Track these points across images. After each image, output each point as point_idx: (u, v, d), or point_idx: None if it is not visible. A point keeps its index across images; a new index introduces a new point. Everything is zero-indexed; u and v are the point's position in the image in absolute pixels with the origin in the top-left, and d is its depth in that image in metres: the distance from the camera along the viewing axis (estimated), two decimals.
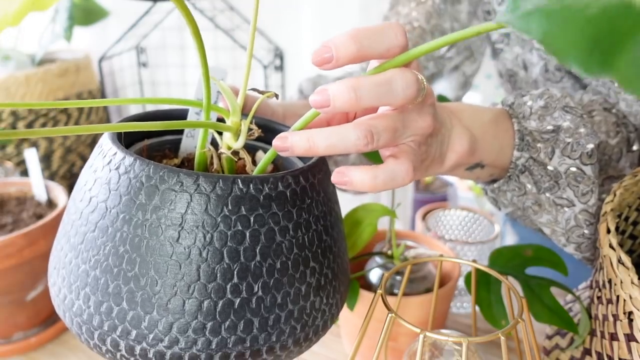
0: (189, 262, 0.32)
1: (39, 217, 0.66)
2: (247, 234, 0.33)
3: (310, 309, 0.36)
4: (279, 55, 1.19)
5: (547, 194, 0.46)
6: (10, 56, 1.02)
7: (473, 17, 0.70)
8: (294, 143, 0.33)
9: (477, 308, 0.50)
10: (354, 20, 1.11)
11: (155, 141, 0.44)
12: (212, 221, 0.32)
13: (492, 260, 0.52)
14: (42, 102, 0.29)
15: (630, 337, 0.38)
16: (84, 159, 1.09)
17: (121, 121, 0.39)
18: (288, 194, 0.34)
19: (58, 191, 0.69)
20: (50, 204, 0.69)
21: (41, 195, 0.69)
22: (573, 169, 0.44)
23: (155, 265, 0.32)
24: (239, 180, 0.32)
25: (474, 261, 0.45)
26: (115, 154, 0.34)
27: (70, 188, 1.00)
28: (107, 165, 0.34)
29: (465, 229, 0.77)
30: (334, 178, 0.33)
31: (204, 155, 0.38)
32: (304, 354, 0.59)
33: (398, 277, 0.56)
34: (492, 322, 0.49)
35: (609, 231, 0.40)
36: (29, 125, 1.00)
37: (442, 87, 0.76)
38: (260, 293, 0.33)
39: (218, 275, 0.32)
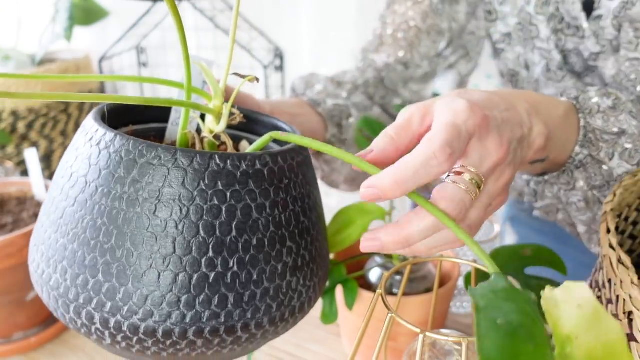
0: (164, 235, 0.32)
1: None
2: (224, 209, 0.33)
3: (286, 288, 0.36)
4: (279, 55, 1.19)
5: (595, 192, 0.46)
6: (11, 56, 1.02)
7: (471, 18, 0.70)
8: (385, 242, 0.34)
9: None
10: (353, 20, 1.11)
11: (141, 128, 0.45)
12: (188, 195, 0.32)
13: None
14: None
15: (630, 337, 0.38)
16: None
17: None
18: (265, 172, 0.35)
19: None
20: None
21: (41, 195, 0.69)
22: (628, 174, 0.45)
23: (132, 237, 0.32)
24: (217, 156, 0.33)
25: (474, 261, 0.45)
26: (97, 130, 0.35)
27: None
28: (88, 142, 0.35)
29: None
30: (362, 195, 0.33)
31: (186, 136, 0.39)
32: (304, 354, 0.59)
33: (398, 277, 0.56)
34: None
35: (608, 231, 0.40)
36: (29, 125, 1.00)
37: (437, 86, 0.76)
38: (235, 268, 0.33)
39: (193, 248, 0.33)
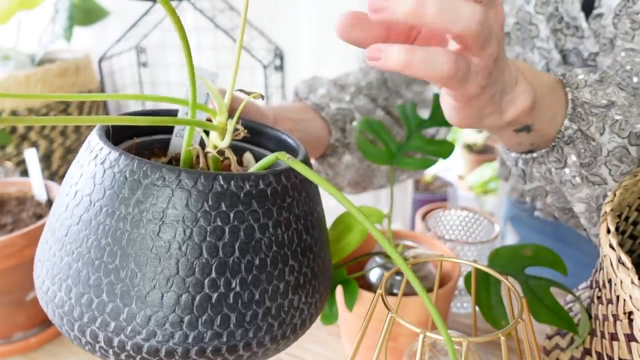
0: (168, 256, 0.33)
1: (39, 217, 0.66)
2: (227, 230, 0.33)
3: (288, 306, 0.36)
4: (279, 55, 1.19)
5: (584, 170, 0.46)
6: (10, 56, 1.02)
7: None
8: (389, 54, 0.30)
9: (477, 308, 0.50)
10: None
11: (145, 140, 0.45)
12: (192, 216, 0.33)
13: (491, 260, 0.52)
14: (40, 94, 0.30)
15: (630, 337, 0.38)
16: None
17: None
18: (269, 192, 0.35)
19: (58, 191, 0.69)
20: (50, 204, 0.69)
21: (41, 195, 0.69)
22: (619, 149, 0.44)
23: (136, 258, 0.33)
24: (220, 177, 0.33)
25: (474, 261, 0.44)
26: (102, 149, 0.35)
27: None
28: (93, 160, 0.35)
29: (465, 229, 0.77)
30: (368, 53, 0.31)
31: (190, 153, 0.39)
32: (304, 353, 0.59)
33: (398, 277, 0.56)
34: (492, 322, 0.49)
35: (609, 231, 0.40)
36: (29, 126, 1.00)
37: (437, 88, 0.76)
38: (238, 289, 0.34)
39: (196, 269, 0.33)
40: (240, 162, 0.46)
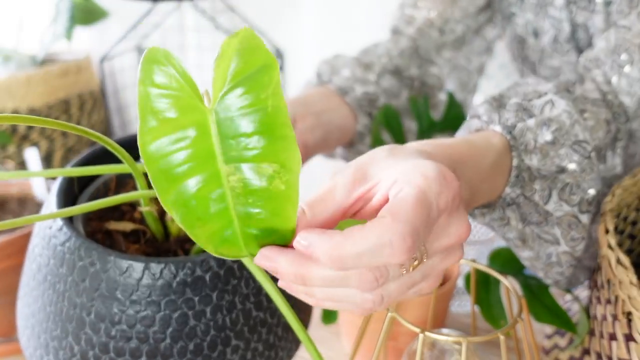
0: (98, 336, 0.34)
1: None
2: (157, 318, 0.33)
3: None
4: (279, 55, 1.20)
5: (533, 227, 0.42)
6: (12, 57, 1.03)
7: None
8: (284, 275, 0.28)
9: (476, 308, 0.50)
10: (354, 20, 1.11)
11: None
12: (119, 305, 0.33)
13: (491, 260, 0.52)
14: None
15: (628, 337, 0.38)
16: None
17: (75, 164, 0.42)
18: (207, 277, 0.34)
19: None
20: None
21: (42, 196, 0.70)
22: (568, 217, 0.41)
23: (74, 332, 0.34)
24: (152, 265, 0.33)
25: (473, 261, 0.45)
26: (60, 229, 0.36)
27: None
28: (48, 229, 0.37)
29: None
30: (296, 242, 0.27)
31: (150, 213, 0.39)
32: (304, 353, 0.59)
33: None
34: (491, 321, 0.49)
35: (607, 231, 0.40)
36: (30, 126, 1.00)
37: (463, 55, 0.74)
38: None
39: (127, 352, 0.34)
40: None
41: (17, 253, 0.58)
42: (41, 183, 0.69)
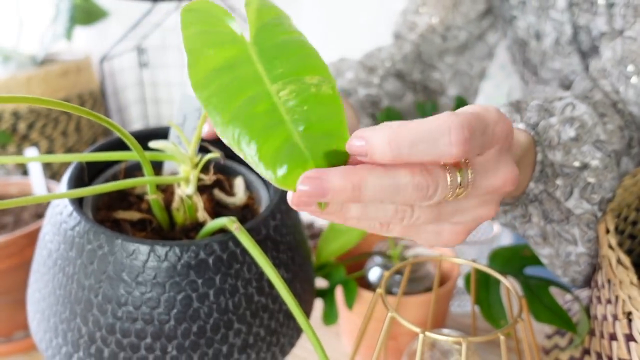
0: (105, 317, 0.34)
1: (40, 216, 0.66)
2: (161, 300, 0.34)
3: None
4: None
5: (554, 225, 0.43)
6: (12, 57, 1.03)
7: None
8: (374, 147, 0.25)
9: (476, 308, 0.50)
10: (354, 20, 1.11)
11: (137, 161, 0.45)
12: (125, 286, 0.34)
13: (491, 260, 0.52)
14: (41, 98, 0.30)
15: (629, 337, 0.38)
16: None
17: (93, 150, 0.43)
18: (211, 261, 0.35)
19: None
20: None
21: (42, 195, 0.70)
22: (588, 215, 0.41)
23: (82, 314, 0.35)
24: (157, 247, 0.34)
25: (474, 261, 0.45)
26: (71, 214, 0.37)
27: None
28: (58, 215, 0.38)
29: None
30: (348, 145, 0.26)
31: (156, 201, 0.39)
32: (304, 353, 0.59)
33: (397, 277, 0.56)
34: (491, 321, 0.49)
35: (608, 231, 0.40)
36: (30, 126, 1.00)
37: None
38: (174, 352, 0.35)
39: (133, 333, 0.34)
40: (230, 187, 0.46)
41: (17, 253, 0.58)
42: (41, 183, 0.69)
